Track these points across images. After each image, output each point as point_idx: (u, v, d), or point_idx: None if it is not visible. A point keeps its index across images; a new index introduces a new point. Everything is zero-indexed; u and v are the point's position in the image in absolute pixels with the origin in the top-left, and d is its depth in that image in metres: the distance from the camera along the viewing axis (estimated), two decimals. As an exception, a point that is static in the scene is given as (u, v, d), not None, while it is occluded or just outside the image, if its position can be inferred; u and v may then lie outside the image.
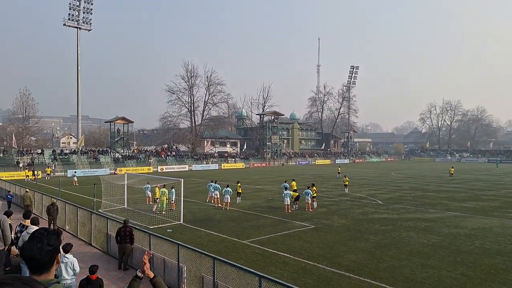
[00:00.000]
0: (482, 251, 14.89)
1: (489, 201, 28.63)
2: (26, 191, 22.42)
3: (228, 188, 24.46)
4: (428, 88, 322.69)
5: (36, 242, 2.37)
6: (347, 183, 34.11)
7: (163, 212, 22.47)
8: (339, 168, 54.95)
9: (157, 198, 23.52)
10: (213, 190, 26.07)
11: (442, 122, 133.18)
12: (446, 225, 19.66)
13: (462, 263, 13.30)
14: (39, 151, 60.22)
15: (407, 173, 58.57)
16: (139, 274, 3.77)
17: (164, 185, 23.95)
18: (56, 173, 51.84)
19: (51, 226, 17.88)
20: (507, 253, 14.54)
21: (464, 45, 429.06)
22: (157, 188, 24.07)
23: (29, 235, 9.28)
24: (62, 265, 9.08)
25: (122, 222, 13.33)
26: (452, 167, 51.87)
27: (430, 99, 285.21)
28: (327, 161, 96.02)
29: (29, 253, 2.35)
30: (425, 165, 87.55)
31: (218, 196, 25.55)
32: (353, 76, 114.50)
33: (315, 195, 24.61)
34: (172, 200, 23.68)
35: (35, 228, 10.07)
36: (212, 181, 27.58)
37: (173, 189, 24.07)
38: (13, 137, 59.93)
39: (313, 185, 25.51)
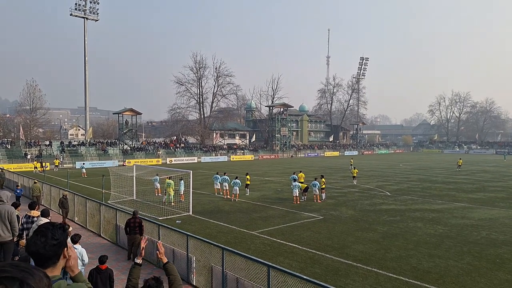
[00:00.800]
0: (488, 241, 14.91)
1: (496, 192, 28.51)
2: (35, 182, 22.69)
3: (237, 180, 24.59)
4: (438, 79, 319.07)
5: (40, 236, 2.34)
6: (355, 174, 34.12)
7: (172, 204, 22.71)
8: (352, 160, 54.98)
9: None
10: (221, 182, 26.26)
11: (451, 114, 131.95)
12: (453, 216, 19.66)
13: (468, 253, 13.34)
14: (47, 142, 60.77)
15: (415, 165, 58.31)
16: (138, 261, 4.09)
17: (170, 176, 24.12)
18: (64, 165, 52.47)
19: (65, 220, 18.12)
20: (514, 244, 14.55)
21: (475, 36, 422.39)
22: (167, 179, 24.31)
23: None
24: None
25: (131, 213, 13.50)
26: (460, 159, 51.55)
27: (439, 90, 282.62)
28: (336, 153, 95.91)
29: (33, 247, 2.33)
30: (433, 157, 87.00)
31: (227, 188, 25.72)
32: (362, 67, 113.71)
33: (323, 186, 24.69)
34: (181, 192, 23.89)
35: (45, 220, 10.22)
36: (217, 173, 27.81)
37: (182, 181, 24.26)
38: (21, 129, 60.54)
39: (322, 176, 25.57)
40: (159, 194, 25.85)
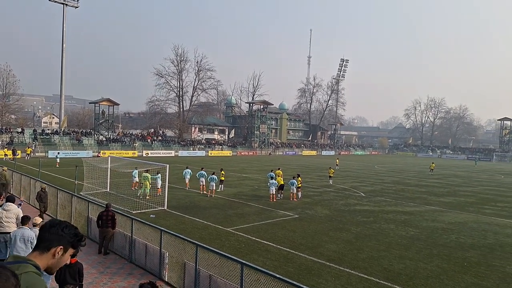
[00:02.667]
0: (457, 244, 15.38)
1: (466, 196, 29.42)
2: (3, 169, 21.82)
3: (214, 176, 24.49)
4: (415, 84, 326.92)
5: (55, 221, 2.45)
6: (331, 174, 34.50)
7: (147, 197, 22.39)
8: (337, 160, 55.30)
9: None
10: (198, 177, 26.10)
11: (426, 119, 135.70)
12: (424, 219, 20.16)
13: (438, 255, 13.70)
14: (19, 130, 58.79)
15: (389, 167, 59.51)
16: None
17: (147, 170, 23.83)
18: (36, 153, 50.85)
19: (43, 215, 17.26)
20: (480, 247, 15.08)
21: (452, 43, 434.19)
22: (144, 173, 24.02)
23: (5, 211, 9.09)
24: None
25: (104, 205, 13.20)
26: (433, 163, 52.98)
27: (415, 95, 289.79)
28: (313, 152, 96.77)
29: (48, 223, 2.43)
30: (407, 159, 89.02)
31: (204, 183, 25.54)
32: (342, 69, 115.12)
33: (299, 185, 24.86)
34: (158, 186, 23.58)
35: (11, 204, 9.98)
36: (187, 167, 27.80)
37: (159, 174, 23.96)
38: (-9, 115, 58.38)
39: (298, 175, 25.74)
40: (135, 188, 25.42)
